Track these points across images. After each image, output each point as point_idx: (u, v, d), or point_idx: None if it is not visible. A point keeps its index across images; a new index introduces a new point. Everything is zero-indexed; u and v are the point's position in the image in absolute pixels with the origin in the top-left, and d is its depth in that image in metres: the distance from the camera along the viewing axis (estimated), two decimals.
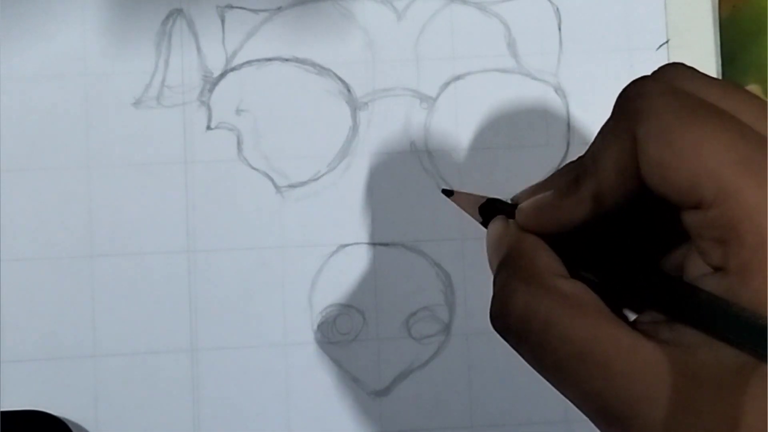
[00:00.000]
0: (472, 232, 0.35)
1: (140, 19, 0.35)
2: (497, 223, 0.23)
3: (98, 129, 0.35)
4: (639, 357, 0.18)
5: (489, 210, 0.25)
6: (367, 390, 0.35)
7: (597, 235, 0.21)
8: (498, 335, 0.21)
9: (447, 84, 0.36)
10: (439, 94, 0.35)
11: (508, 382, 0.35)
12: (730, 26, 0.36)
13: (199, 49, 0.35)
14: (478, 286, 0.35)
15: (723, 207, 0.17)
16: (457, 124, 0.35)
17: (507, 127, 0.35)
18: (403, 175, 0.35)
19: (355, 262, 0.35)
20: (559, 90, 0.36)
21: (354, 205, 0.35)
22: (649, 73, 0.20)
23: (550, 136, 0.36)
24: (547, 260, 0.21)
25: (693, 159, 0.17)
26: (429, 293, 0.35)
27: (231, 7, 0.35)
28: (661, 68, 0.20)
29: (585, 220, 0.20)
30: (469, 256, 0.35)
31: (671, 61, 0.34)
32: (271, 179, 0.35)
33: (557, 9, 0.36)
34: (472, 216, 0.26)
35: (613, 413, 0.18)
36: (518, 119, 0.35)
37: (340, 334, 0.35)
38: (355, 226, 0.35)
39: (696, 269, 0.19)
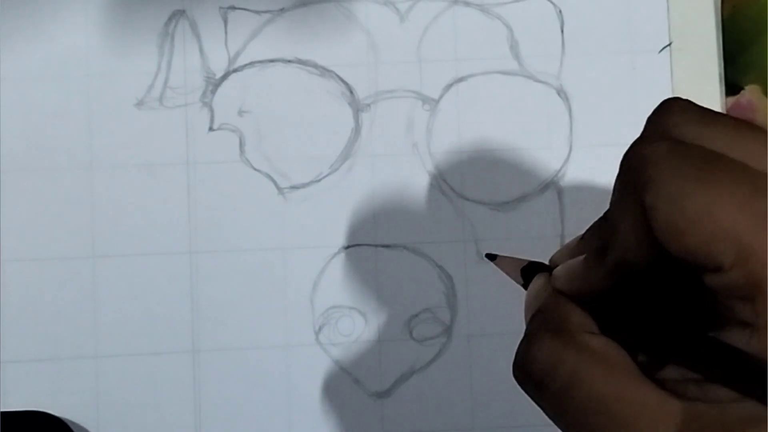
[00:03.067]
0: (474, 235, 0.35)
1: (143, 19, 0.35)
2: (538, 281, 0.23)
3: (100, 130, 0.35)
4: (665, 417, 0.18)
5: (530, 272, 0.25)
6: (369, 392, 0.35)
7: (627, 293, 0.21)
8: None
9: (449, 86, 0.36)
10: (441, 96, 0.35)
11: (509, 384, 0.34)
12: (730, 26, 0.36)
13: (201, 50, 0.35)
14: (480, 289, 0.35)
15: (745, 268, 0.17)
16: (460, 126, 0.35)
17: (509, 129, 0.35)
18: (406, 177, 0.35)
19: (357, 264, 0.35)
20: (561, 92, 0.36)
21: (356, 206, 0.35)
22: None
23: (553, 138, 0.35)
24: (578, 316, 0.21)
25: (707, 223, 0.17)
26: (431, 295, 0.35)
27: (234, 8, 0.35)
28: (656, 114, 0.19)
29: (613, 285, 0.20)
30: (471, 258, 0.35)
31: (673, 66, 0.33)
32: (274, 180, 0.35)
33: (560, 11, 0.36)
34: (515, 279, 0.26)
35: None
36: (521, 121, 0.35)
37: (342, 335, 0.35)
38: (357, 228, 0.35)
39: (719, 326, 0.18)
